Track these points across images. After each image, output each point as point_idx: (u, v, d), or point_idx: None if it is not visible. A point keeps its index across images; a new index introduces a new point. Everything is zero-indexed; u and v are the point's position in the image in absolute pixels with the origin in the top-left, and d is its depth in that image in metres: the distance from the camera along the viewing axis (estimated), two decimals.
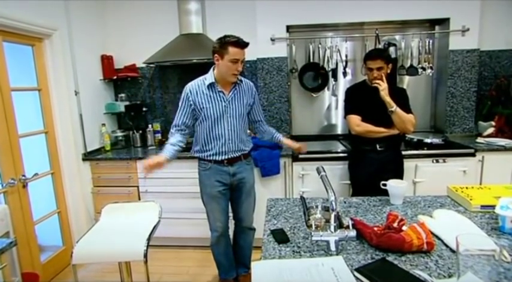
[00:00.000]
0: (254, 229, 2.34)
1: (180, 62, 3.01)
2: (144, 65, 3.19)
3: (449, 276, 0.98)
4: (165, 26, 3.21)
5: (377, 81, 2.10)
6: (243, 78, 2.12)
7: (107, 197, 2.86)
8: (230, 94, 2.05)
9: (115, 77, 3.28)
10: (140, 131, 3.33)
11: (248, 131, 2.25)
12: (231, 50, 1.89)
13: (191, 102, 2.03)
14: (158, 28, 3.26)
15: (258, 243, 1.59)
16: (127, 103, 3.33)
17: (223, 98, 2.03)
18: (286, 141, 2.31)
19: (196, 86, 2.03)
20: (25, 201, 2.36)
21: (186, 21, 3.05)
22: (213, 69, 2.03)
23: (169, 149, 2.03)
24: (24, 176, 2.33)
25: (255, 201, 2.30)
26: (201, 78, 2.07)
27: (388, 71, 2.16)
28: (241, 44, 1.92)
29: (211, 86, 2.01)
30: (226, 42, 1.89)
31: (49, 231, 2.70)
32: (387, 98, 2.08)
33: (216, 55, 1.94)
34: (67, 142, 2.77)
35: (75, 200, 2.83)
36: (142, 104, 3.42)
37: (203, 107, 2.02)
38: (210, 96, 2.02)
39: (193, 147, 2.19)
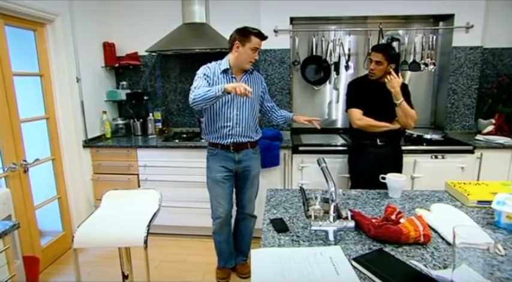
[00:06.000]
0: (255, 217, 2.39)
1: (182, 51, 3.00)
2: (146, 54, 3.17)
3: (445, 267, 1.00)
4: (168, 15, 3.18)
5: (393, 74, 2.10)
6: (254, 70, 2.19)
7: (106, 184, 2.88)
8: (241, 80, 2.11)
9: (117, 65, 3.27)
10: (141, 120, 3.33)
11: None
12: (254, 39, 2.02)
13: (208, 78, 2.07)
14: (161, 17, 3.23)
15: (258, 234, 1.61)
16: (128, 91, 3.33)
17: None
18: (300, 119, 2.28)
19: (212, 67, 2.11)
20: (26, 186, 2.37)
21: (189, 10, 3.03)
22: (228, 57, 2.11)
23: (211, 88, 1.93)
24: (25, 161, 2.34)
25: (258, 189, 2.35)
26: (216, 62, 2.13)
27: (391, 70, 2.13)
28: (263, 36, 2.06)
29: (225, 71, 2.08)
30: (250, 31, 2.02)
31: (49, 217, 2.72)
32: (397, 89, 2.09)
33: (237, 42, 2.03)
34: (68, 128, 2.78)
35: (75, 187, 2.85)
36: (144, 92, 3.41)
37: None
38: (223, 78, 2.09)
39: (202, 130, 2.24)
